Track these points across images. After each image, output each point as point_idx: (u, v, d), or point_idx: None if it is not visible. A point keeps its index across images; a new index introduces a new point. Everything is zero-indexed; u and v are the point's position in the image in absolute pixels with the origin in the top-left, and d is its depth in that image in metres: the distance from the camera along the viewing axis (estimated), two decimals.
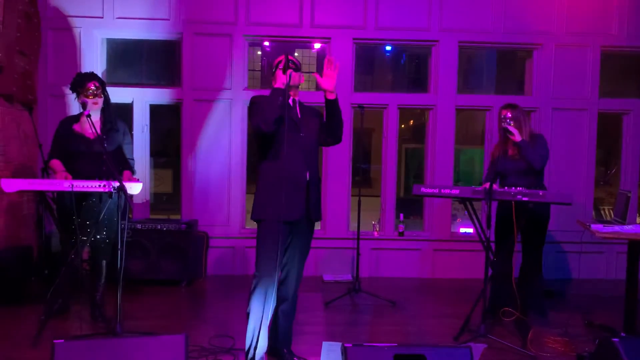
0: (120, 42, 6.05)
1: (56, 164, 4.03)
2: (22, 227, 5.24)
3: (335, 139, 3.31)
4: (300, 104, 3.33)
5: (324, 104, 3.19)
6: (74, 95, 4.13)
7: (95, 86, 4.03)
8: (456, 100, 5.89)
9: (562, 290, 5.28)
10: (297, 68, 3.22)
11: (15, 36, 4.94)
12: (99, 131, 3.89)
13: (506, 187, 3.98)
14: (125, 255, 3.60)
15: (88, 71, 4.25)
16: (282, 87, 3.10)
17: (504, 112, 4.21)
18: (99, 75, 5.52)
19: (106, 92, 4.14)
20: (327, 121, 3.26)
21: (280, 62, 3.18)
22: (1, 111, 4.91)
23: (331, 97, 3.15)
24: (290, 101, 3.21)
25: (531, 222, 4.11)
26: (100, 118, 4.08)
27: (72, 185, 3.59)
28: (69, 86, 4.13)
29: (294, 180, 3.13)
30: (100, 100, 4.07)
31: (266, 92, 3.27)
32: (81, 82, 4.04)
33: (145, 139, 5.83)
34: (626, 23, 5.86)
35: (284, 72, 3.11)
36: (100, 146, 3.82)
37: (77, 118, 4.17)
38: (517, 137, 4.08)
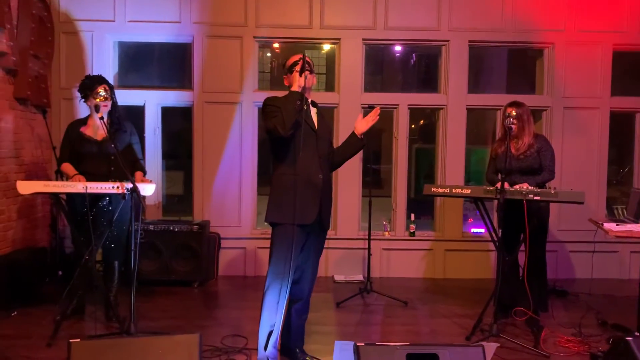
0: (132, 45, 6.10)
1: (68, 167, 4.07)
2: (37, 229, 5.30)
3: (332, 169, 3.43)
4: (317, 107, 3.31)
5: (329, 105, 3.19)
6: (81, 98, 4.17)
7: (105, 90, 4.08)
8: (467, 100, 5.88)
9: (575, 290, 5.24)
10: (312, 70, 3.19)
11: (29, 40, 5.01)
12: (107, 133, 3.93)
13: (517, 186, 3.95)
14: (138, 256, 3.63)
15: (98, 74, 4.30)
16: (300, 90, 3.08)
17: (509, 109, 4.21)
18: (111, 78, 5.63)
19: (114, 94, 4.19)
20: (342, 150, 3.37)
21: (296, 63, 3.13)
22: (15, 114, 4.97)
23: (362, 137, 3.32)
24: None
25: (533, 219, 4.06)
26: (107, 119, 4.12)
27: (87, 187, 3.63)
28: (78, 88, 4.19)
29: (310, 183, 3.12)
30: (109, 103, 4.12)
31: (277, 94, 3.27)
32: (91, 85, 4.09)
33: (157, 141, 5.87)
34: (638, 21, 5.82)
35: (301, 74, 3.07)
36: (111, 147, 3.87)
37: (84, 121, 4.22)
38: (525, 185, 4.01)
